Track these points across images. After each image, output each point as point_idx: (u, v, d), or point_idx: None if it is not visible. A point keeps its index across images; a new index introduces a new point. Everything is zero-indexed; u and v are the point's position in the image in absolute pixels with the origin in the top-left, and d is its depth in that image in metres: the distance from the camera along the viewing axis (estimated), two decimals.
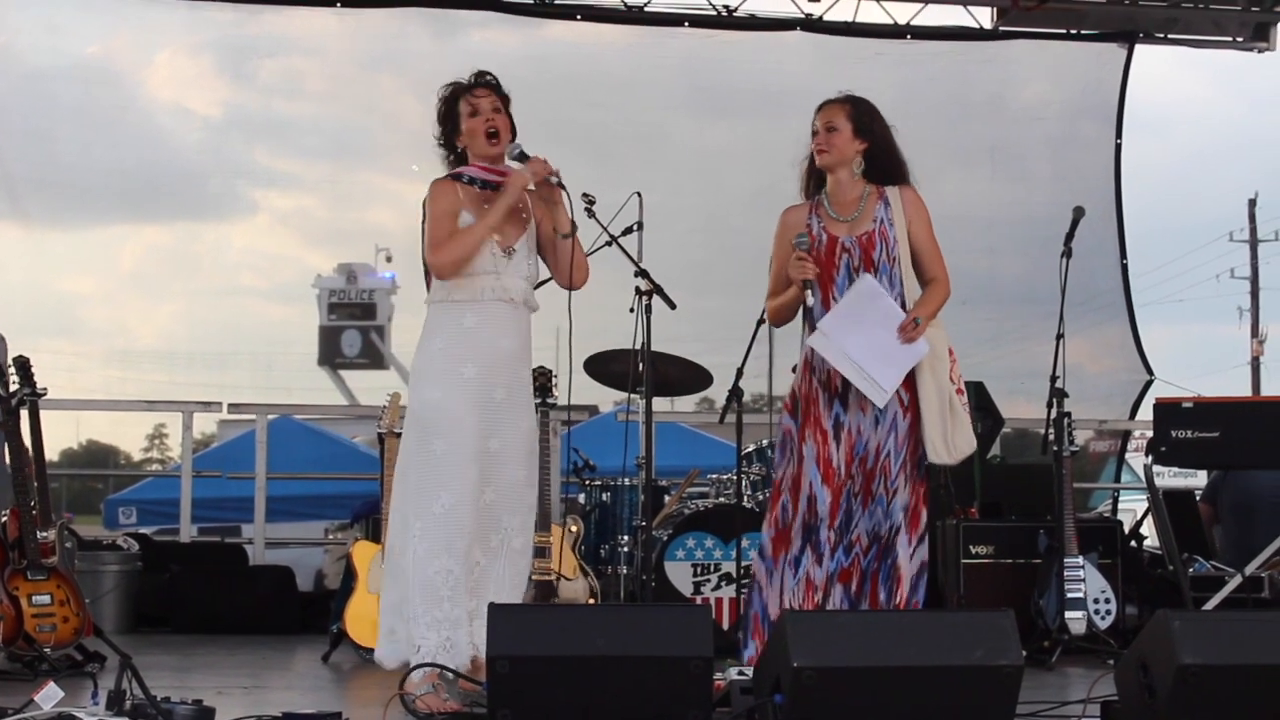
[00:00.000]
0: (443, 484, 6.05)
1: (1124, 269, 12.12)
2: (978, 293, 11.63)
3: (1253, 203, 39.20)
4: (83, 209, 12.23)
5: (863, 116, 6.75)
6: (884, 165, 6.77)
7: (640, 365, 7.05)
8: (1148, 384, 11.98)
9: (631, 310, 6.96)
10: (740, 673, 5.98)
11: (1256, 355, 37.93)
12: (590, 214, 7.44)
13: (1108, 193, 12.12)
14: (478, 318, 6.18)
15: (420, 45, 11.76)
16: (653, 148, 12.01)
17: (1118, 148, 12.18)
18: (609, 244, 6.89)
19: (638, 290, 6.90)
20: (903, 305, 6.59)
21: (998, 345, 11.50)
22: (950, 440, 6.65)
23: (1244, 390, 35.46)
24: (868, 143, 6.74)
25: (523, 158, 6.27)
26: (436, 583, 5.99)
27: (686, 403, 11.22)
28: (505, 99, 6.37)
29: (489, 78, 6.39)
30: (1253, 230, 39.35)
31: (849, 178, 6.73)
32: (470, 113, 6.30)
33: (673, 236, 10.63)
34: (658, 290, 6.82)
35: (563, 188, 6.29)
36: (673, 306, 6.82)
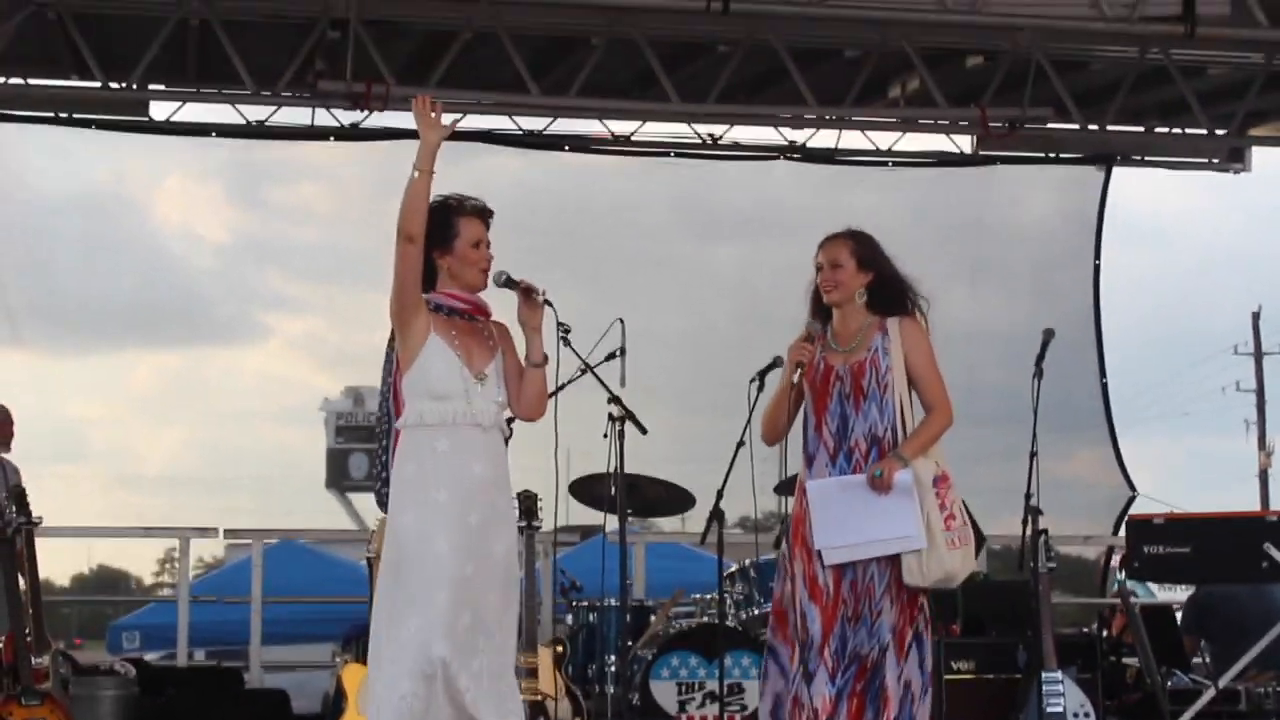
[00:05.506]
0: (411, 610, 6.08)
1: (1104, 388, 12.35)
2: (958, 410, 11.84)
3: (1256, 315, 39.39)
4: (90, 335, 12.40)
5: (865, 250, 6.92)
6: (888, 296, 6.93)
7: (614, 489, 7.24)
8: (1130, 499, 12.17)
9: (605, 436, 7.18)
10: None
11: (1264, 468, 37.97)
12: (566, 343, 7.69)
13: (1087, 312, 12.40)
14: (450, 442, 6.19)
15: (445, 164, 11.97)
16: (639, 272, 12.24)
17: (1096, 268, 12.46)
18: (583, 372, 7.12)
19: (610, 416, 7.11)
20: (896, 432, 6.83)
21: (979, 462, 11.64)
22: (925, 565, 6.83)
23: (1253, 504, 35.51)
24: (871, 275, 6.94)
25: (510, 283, 6.29)
26: (402, 709, 6.09)
27: (674, 522, 11.38)
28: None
29: (489, 212, 6.41)
30: (1257, 343, 39.53)
31: (853, 310, 6.91)
32: (473, 241, 6.30)
33: (659, 358, 10.87)
34: (630, 416, 7.04)
35: (549, 305, 6.33)
36: (644, 431, 7.03)
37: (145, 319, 12.23)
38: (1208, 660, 10.02)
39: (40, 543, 8.46)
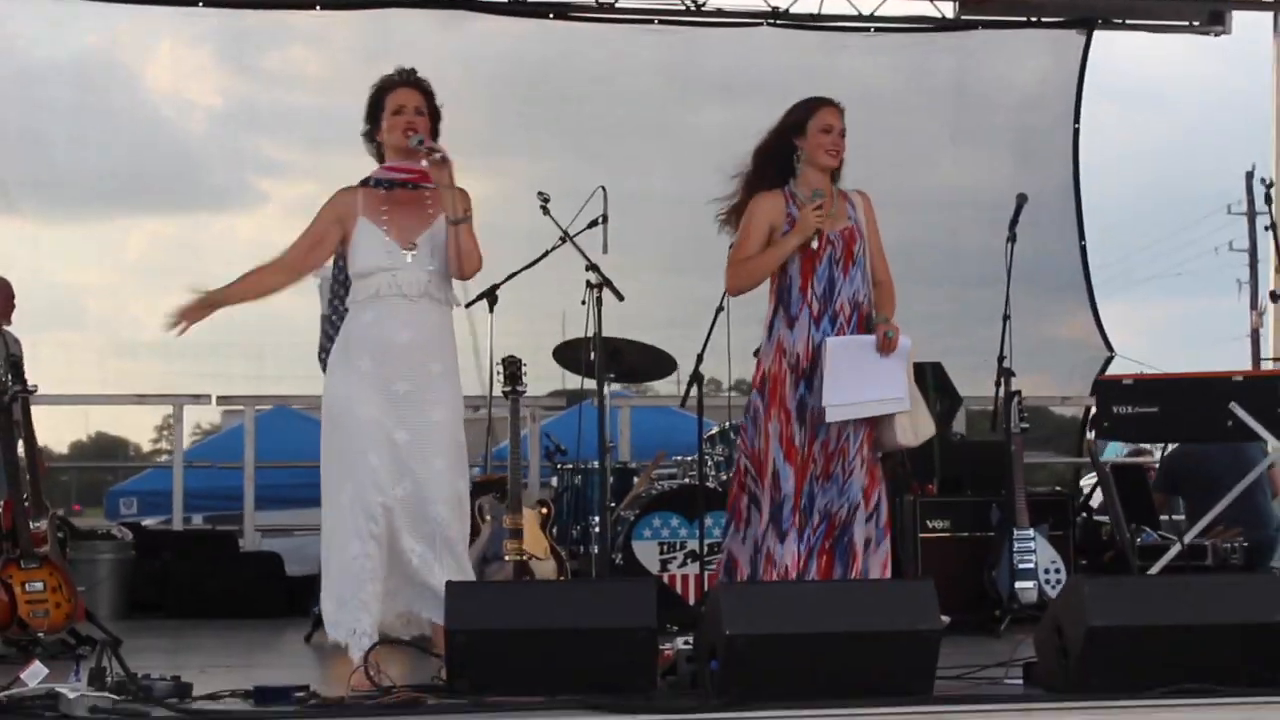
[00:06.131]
0: (345, 474, 6.33)
1: (1083, 250, 12.50)
2: (940, 273, 12.04)
3: (1250, 175, 39.25)
4: (84, 203, 12.36)
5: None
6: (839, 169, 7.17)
7: (593, 354, 7.41)
8: (1108, 360, 12.35)
9: (583, 302, 7.33)
10: (686, 643, 6.37)
11: (1255, 328, 38.01)
12: (545, 211, 7.85)
13: (1066, 176, 12.52)
14: (374, 313, 6.40)
15: (422, 35, 11.98)
16: (624, 137, 12.30)
17: (1076, 132, 12.57)
18: (564, 241, 7.26)
19: (588, 284, 7.26)
20: (870, 299, 7.02)
21: (960, 324, 11.83)
22: (916, 427, 7.07)
23: (1245, 363, 35.58)
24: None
25: (420, 144, 6.44)
26: (353, 569, 6.29)
27: (669, 385, 11.56)
28: (430, 97, 6.60)
29: (416, 76, 6.61)
30: (1250, 202, 39.48)
31: (827, 179, 7.09)
32: (394, 110, 6.52)
33: (644, 222, 11.02)
34: (607, 283, 7.19)
35: (445, 163, 6.40)
36: (620, 298, 7.18)
37: (139, 186, 12.22)
38: (1181, 518, 10.27)
39: (38, 410, 8.67)
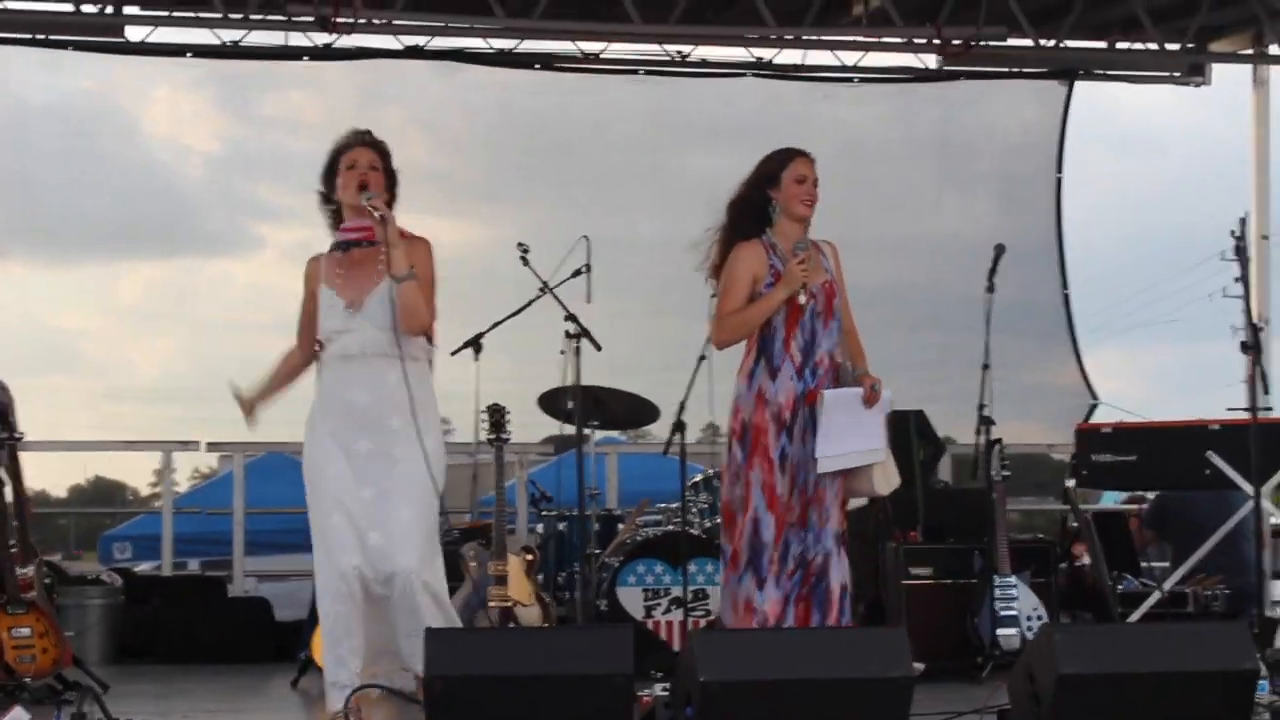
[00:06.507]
0: (319, 535, 6.47)
1: (1065, 299, 12.63)
2: (924, 320, 12.15)
3: (1243, 221, 39.30)
4: (78, 247, 12.41)
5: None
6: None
7: (570, 403, 7.50)
8: (1092, 407, 12.45)
9: (562, 352, 7.43)
10: (665, 689, 6.45)
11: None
12: (525, 262, 7.95)
13: (1049, 224, 12.65)
14: (334, 375, 6.54)
15: (417, 82, 12.10)
16: (611, 185, 12.41)
17: (1058, 181, 12.70)
18: (543, 292, 7.37)
19: (567, 334, 7.35)
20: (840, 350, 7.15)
21: (943, 370, 11.90)
22: (888, 475, 7.20)
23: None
24: None
25: (368, 200, 6.44)
26: (327, 626, 6.44)
27: (663, 430, 11.68)
28: (386, 158, 6.64)
29: (367, 136, 6.67)
30: (1241, 249, 39.50)
31: (803, 229, 7.19)
32: (348, 165, 6.56)
33: (631, 267, 11.15)
34: (585, 333, 7.29)
35: (385, 221, 6.42)
36: (598, 348, 7.27)
37: (134, 230, 12.24)
38: (1167, 564, 10.31)
39: (34, 456, 8.74)
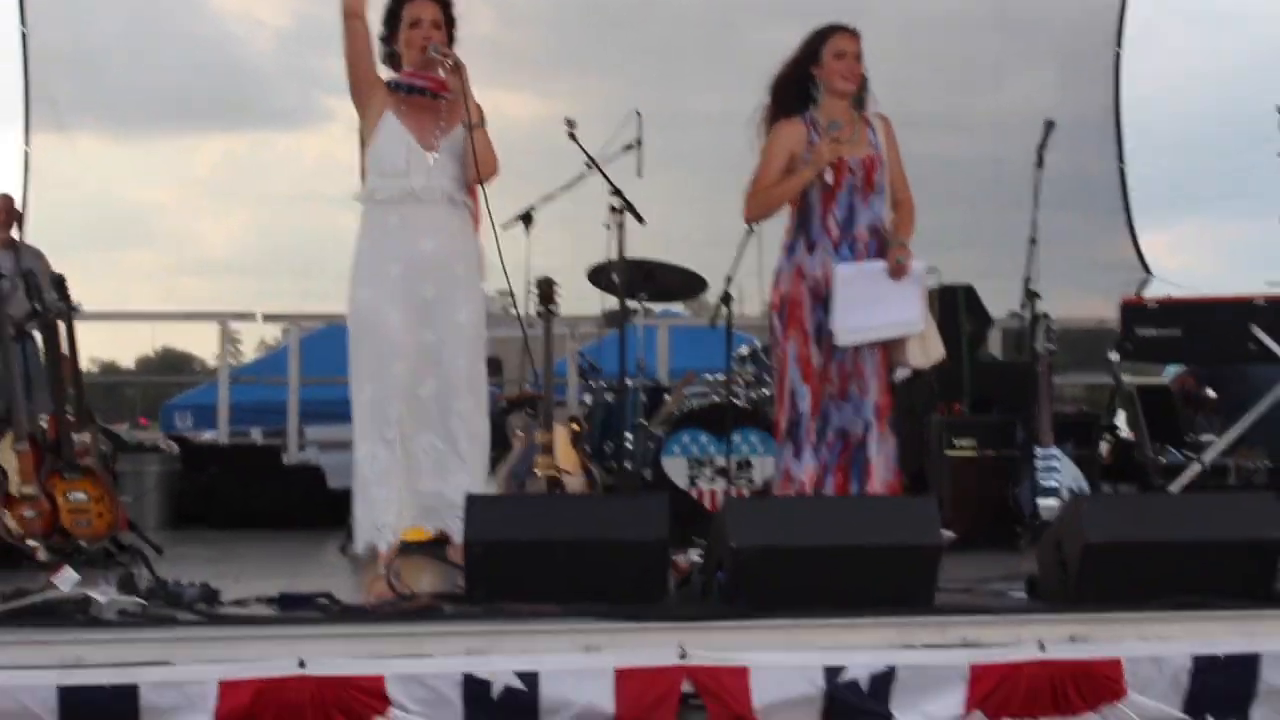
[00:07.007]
0: (369, 376, 6.46)
1: (1121, 173, 12.58)
2: (981, 196, 12.11)
3: None
4: (147, 121, 12.47)
5: (862, 48, 7.27)
6: (861, 95, 7.29)
7: (615, 277, 7.57)
8: (1143, 282, 12.44)
9: (606, 226, 7.49)
10: (700, 555, 6.56)
11: None
12: (573, 138, 7.98)
13: (1107, 100, 12.58)
14: (400, 217, 6.50)
15: None
16: (664, 58, 12.38)
17: (1117, 56, 12.61)
18: (590, 168, 7.40)
19: (611, 208, 7.41)
20: (888, 223, 7.18)
21: (999, 245, 11.84)
22: (926, 348, 7.25)
23: None
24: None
25: (436, 51, 6.51)
26: (364, 468, 6.49)
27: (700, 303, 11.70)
28: (447, 6, 6.66)
29: None
30: None
31: (846, 105, 7.22)
32: (411, 23, 6.59)
33: (690, 142, 11.16)
34: (629, 207, 7.34)
35: (460, 69, 6.45)
36: (641, 221, 7.32)
37: (203, 105, 12.28)
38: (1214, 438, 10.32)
39: (102, 327, 8.86)
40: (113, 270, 11.95)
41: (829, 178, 7.01)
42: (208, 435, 14.49)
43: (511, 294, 7.18)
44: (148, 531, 8.61)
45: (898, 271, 7.03)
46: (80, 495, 8.05)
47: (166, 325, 17.09)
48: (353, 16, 6.48)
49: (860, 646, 5.64)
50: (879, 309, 7.01)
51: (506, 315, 7.63)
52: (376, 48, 6.68)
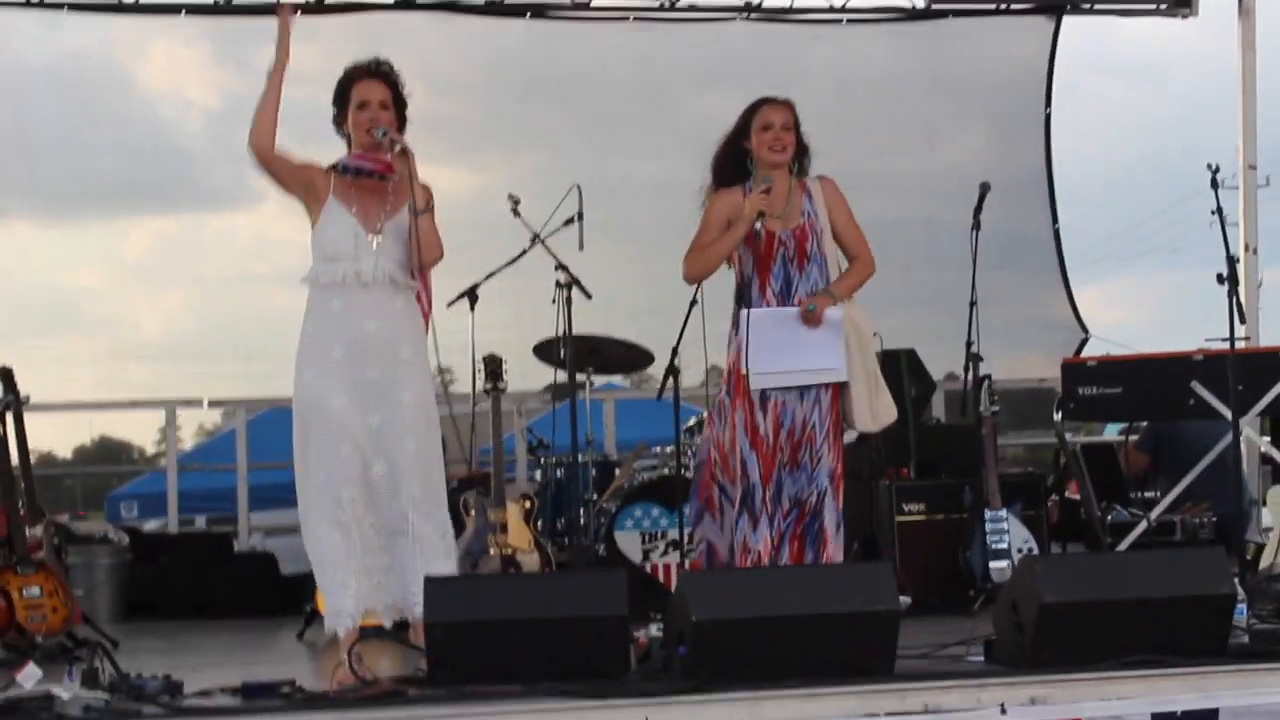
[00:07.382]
0: (318, 463, 6.47)
1: (1055, 233, 12.71)
2: (917, 257, 12.22)
3: (1212, 168, 39.08)
4: (79, 206, 12.33)
5: (796, 118, 7.39)
6: (800, 161, 7.41)
7: (562, 351, 7.63)
8: (1083, 342, 12.56)
9: (553, 301, 7.55)
10: (659, 630, 6.59)
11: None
12: (516, 214, 8.05)
13: (1039, 160, 12.72)
14: (341, 301, 6.51)
15: (412, 32, 11.99)
16: (603, 131, 12.44)
17: (1047, 117, 12.74)
18: (534, 243, 7.48)
19: (558, 283, 7.48)
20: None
21: (936, 308, 11.95)
22: (874, 411, 7.31)
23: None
24: (798, 141, 7.38)
25: (384, 135, 6.55)
26: (320, 553, 6.50)
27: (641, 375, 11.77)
28: (396, 88, 6.71)
29: (383, 68, 6.72)
30: (1216, 185, 39.32)
31: (783, 174, 7.34)
32: (359, 104, 6.65)
33: (624, 212, 11.25)
34: (576, 282, 7.41)
35: (405, 155, 6.51)
36: (589, 297, 7.40)
37: (136, 188, 12.24)
38: (1158, 494, 10.42)
39: (38, 416, 8.85)
40: (51, 358, 11.84)
41: (758, 226, 7.10)
42: (151, 525, 14.42)
43: (442, 372, 7.17)
44: (101, 623, 8.57)
45: (808, 318, 7.11)
46: (35, 590, 7.99)
47: (102, 413, 16.94)
48: (262, 161, 6.64)
49: (823, 718, 5.69)
50: (794, 354, 7.10)
51: (446, 394, 7.67)
52: (330, 128, 6.78)
